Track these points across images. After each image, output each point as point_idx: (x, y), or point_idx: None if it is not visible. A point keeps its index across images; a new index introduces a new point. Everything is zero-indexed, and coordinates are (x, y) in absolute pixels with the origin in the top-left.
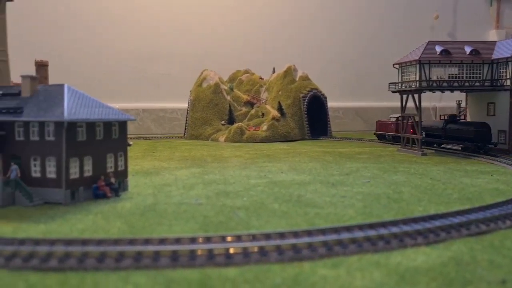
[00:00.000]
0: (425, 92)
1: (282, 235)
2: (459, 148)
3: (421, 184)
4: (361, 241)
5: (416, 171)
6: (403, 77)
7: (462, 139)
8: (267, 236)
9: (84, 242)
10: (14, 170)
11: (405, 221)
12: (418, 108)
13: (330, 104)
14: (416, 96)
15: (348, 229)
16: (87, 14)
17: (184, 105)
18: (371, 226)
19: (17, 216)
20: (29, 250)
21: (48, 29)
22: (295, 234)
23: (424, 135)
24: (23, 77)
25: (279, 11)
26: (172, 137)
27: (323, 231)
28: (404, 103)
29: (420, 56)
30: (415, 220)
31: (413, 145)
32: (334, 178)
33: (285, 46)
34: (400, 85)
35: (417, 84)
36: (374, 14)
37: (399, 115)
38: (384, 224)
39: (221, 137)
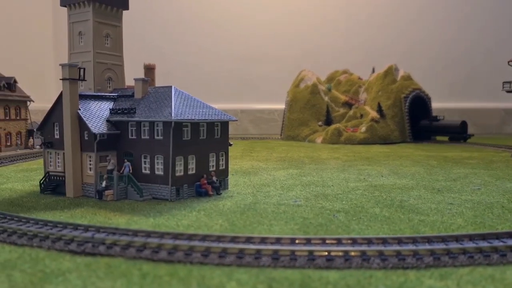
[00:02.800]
0: None
1: (384, 241)
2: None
3: None
4: (472, 253)
5: None
6: None
7: (449, 132)
8: (369, 241)
9: (190, 237)
10: (127, 166)
11: None
12: None
13: (434, 105)
14: None
15: (457, 238)
16: (189, 20)
17: (281, 106)
18: (484, 237)
19: (130, 209)
20: (142, 241)
21: (154, 34)
22: (399, 241)
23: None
24: (136, 80)
25: (379, 9)
26: (269, 137)
27: (429, 239)
28: None
29: None
30: None
31: None
32: (440, 184)
33: (385, 45)
34: None
35: None
36: (486, 7)
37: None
38: (498, 236)
39: (318, 138)
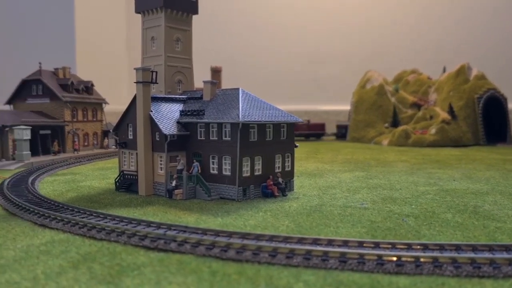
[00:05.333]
0: None
1: (458, 248)
2: None
3: None
4: None
5: None
6: None
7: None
8: (441, 247)
9: (257, 237)
10: (196, 167)
11: None
12: None
13: (511, 106)
14: None
15: None
16: (255, 22)
17: (347, 107)
18: None
19: (198, 208)
20: (211, 240)
21: (221, 36)
22: (474, 248)
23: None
24: (205, 82)
25: (449, 6)
26: (334, 139)
27: (507, 248)
28: None
29: None
30: None
31: None
32: None
33: (457, 43)
34: None
35: None
36: None
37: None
38: None
39: (385, 140)
